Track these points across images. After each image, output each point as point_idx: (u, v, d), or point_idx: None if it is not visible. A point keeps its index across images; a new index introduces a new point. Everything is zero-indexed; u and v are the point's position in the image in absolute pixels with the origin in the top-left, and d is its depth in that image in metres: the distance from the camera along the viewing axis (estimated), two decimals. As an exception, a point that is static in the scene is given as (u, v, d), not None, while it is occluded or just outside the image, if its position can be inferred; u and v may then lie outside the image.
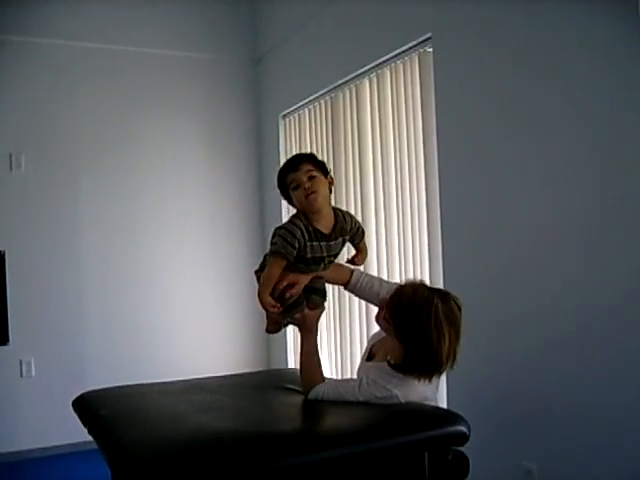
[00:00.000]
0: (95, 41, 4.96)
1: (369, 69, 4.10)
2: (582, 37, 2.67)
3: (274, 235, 2.21)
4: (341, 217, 2.28)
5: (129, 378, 4.64)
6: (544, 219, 2.87)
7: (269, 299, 2.20)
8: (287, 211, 5.11)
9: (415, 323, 2.04)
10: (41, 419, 4.70)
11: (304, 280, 2.26)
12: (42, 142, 4.87)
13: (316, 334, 2.35)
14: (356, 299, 4.22)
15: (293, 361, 5.22)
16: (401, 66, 3.86)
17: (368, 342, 2.52)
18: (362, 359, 2.47)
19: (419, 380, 2.10)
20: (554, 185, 2.81)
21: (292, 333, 5.18)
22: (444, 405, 3.30)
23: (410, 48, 3.70)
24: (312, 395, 2.23)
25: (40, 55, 4.85)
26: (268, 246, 2.28)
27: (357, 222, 2.35)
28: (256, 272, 2.38)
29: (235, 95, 5.54)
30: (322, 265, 2.27)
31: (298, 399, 2.27)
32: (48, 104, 4.89)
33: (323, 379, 2.28)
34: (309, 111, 4.91)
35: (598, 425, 2.64)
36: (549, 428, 2.85)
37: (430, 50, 3.57)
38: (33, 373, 4.79)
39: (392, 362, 2.14)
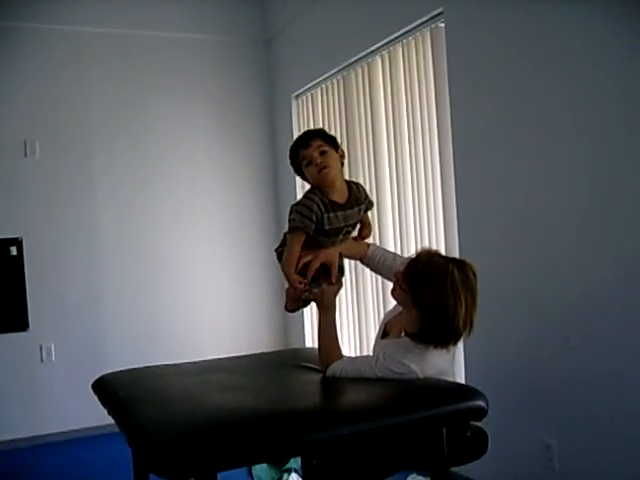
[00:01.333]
0: (105, 26, 4.97)
1: (381, 46, 4.06)
2: (600, 25, 2.63)
3: (291, 212, 2.24)
4: (354, 188, 2.33)
5: (148, 360, 4.68)
6: (559, 195, 2.85)
7: (295, 276, 2.24)
8: (302, 189, 5.10)
9: (432, 290, 2.04)
10: (63, 403, 4.76)
11: (328, 256, 2.30)
12: (56, 128, 4.89)
13: (334, 311, 2.35)
14: (371, 277, 4.25)
15: (310, 341, 5.24)
16: (413, 42, 3.82)
17: (382, 320, 2.53)
18: (377, 337, 2.48)
19: (436, 348, 2.10)
20: (566, 161, 2.79)
21: (310, 313, 5.18)
22: (462, 379, 3.31)
23: (422, 24, 3.67)
24: (330, 372, 2.23)
25: (51, 41, 4.86)
26: (285, 225, 2.30)
27: (367, 193, 2.39)
28: (276, 250, 2.39)
29: (247, 77, 5.52)
30: (341, 236, 2.31)
31: (316, 377, 2.27)
32: (60, 90, 4.91)
33: (341, 356, 2.29)
34: (321, 90, 4.88)
35: (621, 400, 2.63)
36: (570, 403, 2.84)
37: (442, 25, 3.53)
38: (53, 358, 4.85)
39: (410, 332, 2.16)
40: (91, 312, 4.95)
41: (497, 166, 3.20)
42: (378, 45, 4.07)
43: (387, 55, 4.07)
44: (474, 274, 2.12)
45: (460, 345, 3.23)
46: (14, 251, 4.75)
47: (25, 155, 4.79)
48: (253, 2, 5.53)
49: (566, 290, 2.84)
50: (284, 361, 2.60)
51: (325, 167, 2.21)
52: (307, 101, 5.12)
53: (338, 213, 2.24)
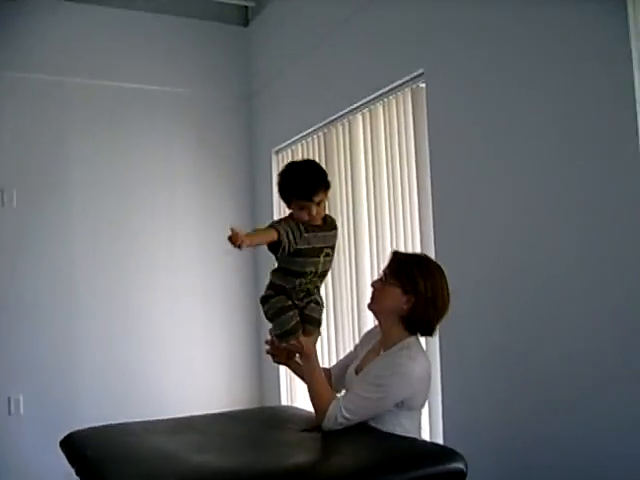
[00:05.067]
0: (87, 77, 4.99)
1: (362, 104, 4.11)
2: (573, 66, 2.69)
3: (271, 226, 2.25)
4: (328, 216, 2.37)
5: (121, 413, 4.57)
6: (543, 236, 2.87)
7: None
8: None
9: (422, 273, 2.26)
10: (31, 460, 4.56)
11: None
12: (34, 177, 4.85)
13: (316, 357, 2.37)
14: (346, 295, 4.32)
15: (286, 398, 5.16)
16: (394, 101, 3.88)
17: (356, 348, 2.58)
18: (350, 369, 2.48)
19: (423, 336, 2.32)
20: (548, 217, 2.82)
21: (286, 371, 5.12)
22: (440, 439, 3.26)
23: (403, 84, 3.72)
24: (331, 413, 2.19)
25: (32, 90, 4.85)
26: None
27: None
28: (261, 299, 2.40)
29: (228, 131, 5.55)
30: (322, 258, 2.28)
31: (294, 437, 2.22)
32: (40, 139, 4.89)
33: (334, 395, 2.29)
34: (302, 146, 4.92)
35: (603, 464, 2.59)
36: (552, 463, 2.79)
37: (423, 85, 3.59)
38: (22, 411, 4.70)
39: (403, 315, 2.27)
40: (63, 364, 4.82)
41: (476, 227, 3.21)
42: (359, 103, 4.11)
43: (368, 113, 4.12)
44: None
45: (438, 400, 3.23)
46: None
47: (2, 204, 4.75)
48: (235, 58, 5.61)
49: (549, 351, 2.82)
50: (261, 419, 2.54)
51: (316, 218, 2.26)
52: (288, 157, 5.15)
53: (318, 233, 2.27)
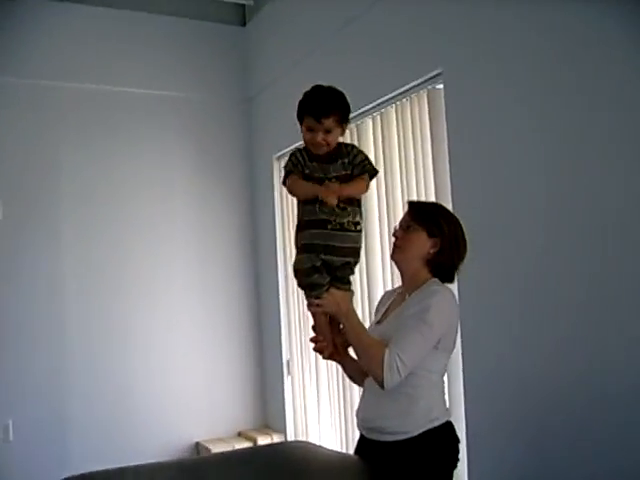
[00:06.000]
0: (79, 81, 4.73)
1: (371, 108, 3.86)
2: (595, 69, 2.52)
3: (286, 166, 2.22)
4: (343, 147, 2.21)
5: (112, 442, 4.32)
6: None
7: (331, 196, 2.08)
8: (282, 262, 4.86)
9: (445, 218, 2.26)
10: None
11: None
12: (22, 187, 4.58)
13: (355, 314, 2.21)
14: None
15: (292, 418, 4.91)
16: (408, 104, 3.62)
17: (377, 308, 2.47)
18: (372, 324, 2.39)
19: (444, 281, 2.25)
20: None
21: (290, 390, 4.89)
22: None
23: (419, 84, 3.47)
24: (387, 366, 2.03)
25: (19, 95, 4.58)
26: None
27: (361, 155, 2.22)
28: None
29: (227, 136, 5.30)
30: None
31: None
32: (30, 146, 4.62)
33: (385, 344, 2.09)
34: (306, 152, 4.65)
35: None
36: None
37: (440, 87, 3.34)
38: (11, 437, 4.42)
39: (430, 258, 2.23)
40: (53, 389, 4.54)
41: (500, 235, 2.98)
42: (369, 107, 3.86)
43: (379, 117, 3.86)
44: None
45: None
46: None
47: (-14, 216, 4.46)
48: (233, 59, 5.35)
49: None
50: (278, 462, 2.25)
51: (321, 144, 2.13)
52: (290, 163, 4.89)
53: (314, 163, 2.16)
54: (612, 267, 2.49)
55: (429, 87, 3.44)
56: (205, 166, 5.15)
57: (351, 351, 2.27)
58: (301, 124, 2.17)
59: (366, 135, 3.99)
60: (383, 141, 3.85)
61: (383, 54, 3.72)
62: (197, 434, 4.90)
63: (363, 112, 3.92)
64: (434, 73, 3.34)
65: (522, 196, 2.88)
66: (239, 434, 5.04)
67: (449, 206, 3.26)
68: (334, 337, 2.25)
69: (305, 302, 2.26)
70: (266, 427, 5.13)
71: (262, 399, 5.18)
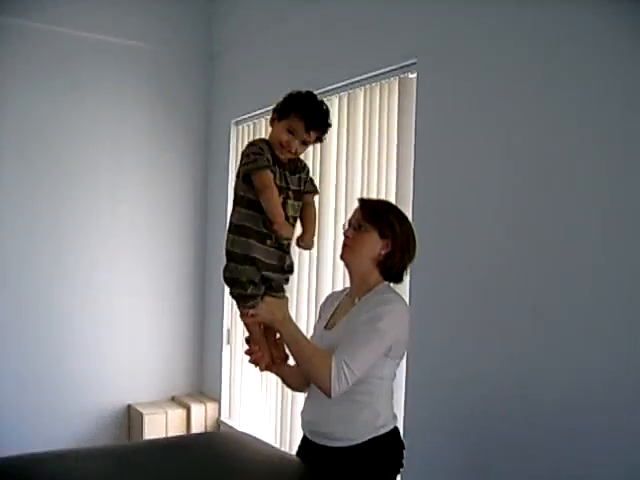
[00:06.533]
0: (32, 19, 4.41)
1: (339, 87, 3.76)
2: (571, 65, 2.51)
3: (246, 155, 2.00)
4: (298, 162, 2.13)
5: (44, 400, 4.15)
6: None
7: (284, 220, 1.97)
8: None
9: (396, 217, 2.20)
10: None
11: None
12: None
13: (292, 323, 2.11)
14: (305, 272, 4.06)
15: (228, 387, 4.88)
16: (377, 90, 3.54)
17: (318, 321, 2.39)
18: (318, 329, 2.32)
19: (394, 282, 2.24)
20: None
21: (230, 358, 4.85)
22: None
23: (391, 71, 3.39)
24: (338, 376, 1.98)
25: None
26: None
27: (309, 172, 2.17)
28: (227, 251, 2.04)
29: (186, 93, 5.11)
30: (280, 198, 1.99)
31: None
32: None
33: (329, 352, 2.02)
34: (266, 122, 4.53)
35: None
36: None
37: (413, 76, 3.27)
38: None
39: (381, 260, 2.19)
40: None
41: (462, 228, 2.96)
42: (335, 85, 3.76)
43: (346, 98, 3.77)
44: None
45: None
46: None
47: None
48: (201, 13, 5.12)
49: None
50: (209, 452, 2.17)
51: (291, 151, 2.03)
52: (249, 130, 4.77)
53: (279, 169, 2.02)
54: (563, 273, 2.51)
55: (401, 75, 3.36)
56: (160, 121, 4.95)
57: (291, 360, 2.18)
58: (281, 119, 2.04)
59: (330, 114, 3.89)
60: (348, 123, 3.77)
61: (359, 34, 3.61)
62: (131, 397, 4.82)
63: (329, 90, 3.81)
64: (408, 62, 3.26)
65: (485, 194, 2.85)
66: (173, 399, 4.99)
67: (409, 200, 3.25)
68: (270, 348, 2.15)
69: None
70: (201, 394, 5.09)
71: (199, 366, 5.12)
